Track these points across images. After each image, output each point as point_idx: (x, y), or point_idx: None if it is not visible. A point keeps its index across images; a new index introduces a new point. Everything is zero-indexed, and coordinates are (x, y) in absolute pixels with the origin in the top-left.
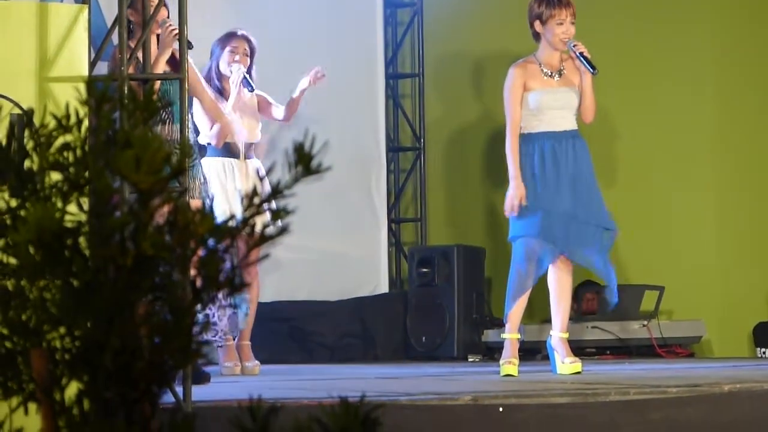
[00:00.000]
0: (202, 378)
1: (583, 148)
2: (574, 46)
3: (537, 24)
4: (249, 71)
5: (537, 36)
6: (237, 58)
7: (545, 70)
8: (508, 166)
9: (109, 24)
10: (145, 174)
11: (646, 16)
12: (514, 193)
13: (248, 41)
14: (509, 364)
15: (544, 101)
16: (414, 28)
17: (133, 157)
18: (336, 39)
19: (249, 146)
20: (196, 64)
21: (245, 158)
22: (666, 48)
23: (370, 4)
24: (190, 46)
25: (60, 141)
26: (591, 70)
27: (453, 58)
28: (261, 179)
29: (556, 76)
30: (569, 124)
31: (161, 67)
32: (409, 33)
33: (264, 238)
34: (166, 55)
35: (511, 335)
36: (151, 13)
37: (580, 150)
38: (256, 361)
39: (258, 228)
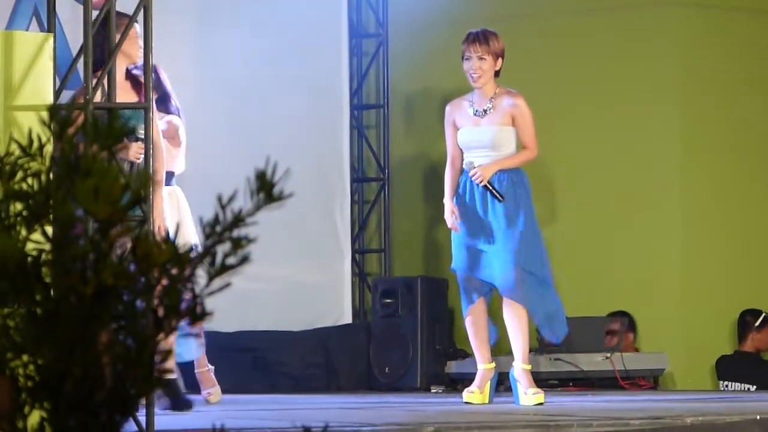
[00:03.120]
0: (184, 405)
1: (515, 186)
2: (472, 176)
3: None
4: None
5: None
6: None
7: (473, 108)
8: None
9: (74, 53)
10: (104, 204)
11: (609, 53)
12: (446, 213)
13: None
14: (469, 393)
15: (467, 139)
16: (379, 59)
17: (92, 187)
18: (301, 68)
19: (169, 175)
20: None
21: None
22: (630, 81)
23: (335, 34)
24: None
25: (24, 169)
26: (499, 199)
27: (418, 89)
28: (223, 206)
29: (481, 113)
30: (488, 160)
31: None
32: (374, 64)
33: (225, 267)
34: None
35: (481, 365)
36: (116, 42)
37: (507, 189)
38: (217, 388)
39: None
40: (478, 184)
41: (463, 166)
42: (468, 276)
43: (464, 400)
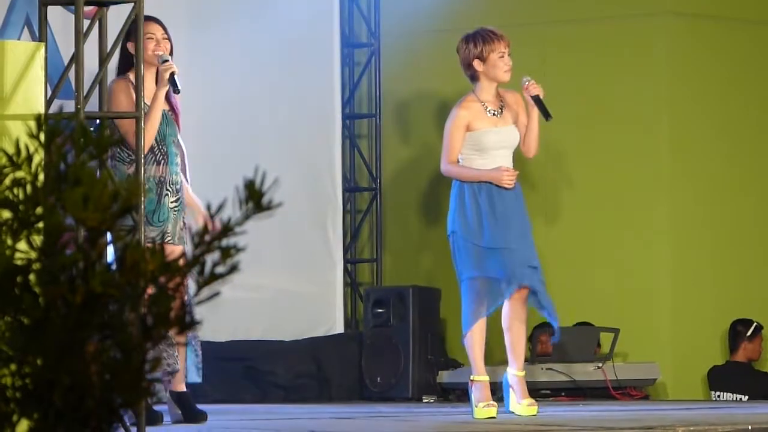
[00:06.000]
0: (198, 416)
1: (518, 187)
2: (528, 83)
3: (476, 63)
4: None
5: (474, 76)
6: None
7: (489, 108)
8: (463, 176)
9: (66, 62)
10: (93, 212)
11: (598, 63)
12: (498, 174)
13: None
14: (492, 406)
15: (491, 141)
16: (371, 69)
17: (81, 195)
18: (293, 78)
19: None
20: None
21: None
22: (620, 90)
23: (327, 43)
24: (176, 90)
25: (11, 178)
26: (546, 116)
27: (410, 98)
28: (212, 216)
29: (498, 113)
30: (509, 162)
31: (160, 104)
32: (366, 73)
33: (214, 276)
34: (164, 92)
35: (480, 378)
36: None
37: (517, 189)
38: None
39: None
40: (534, 97)
41: (524, 80)
42: (489, 283)
43: (488, 415)
